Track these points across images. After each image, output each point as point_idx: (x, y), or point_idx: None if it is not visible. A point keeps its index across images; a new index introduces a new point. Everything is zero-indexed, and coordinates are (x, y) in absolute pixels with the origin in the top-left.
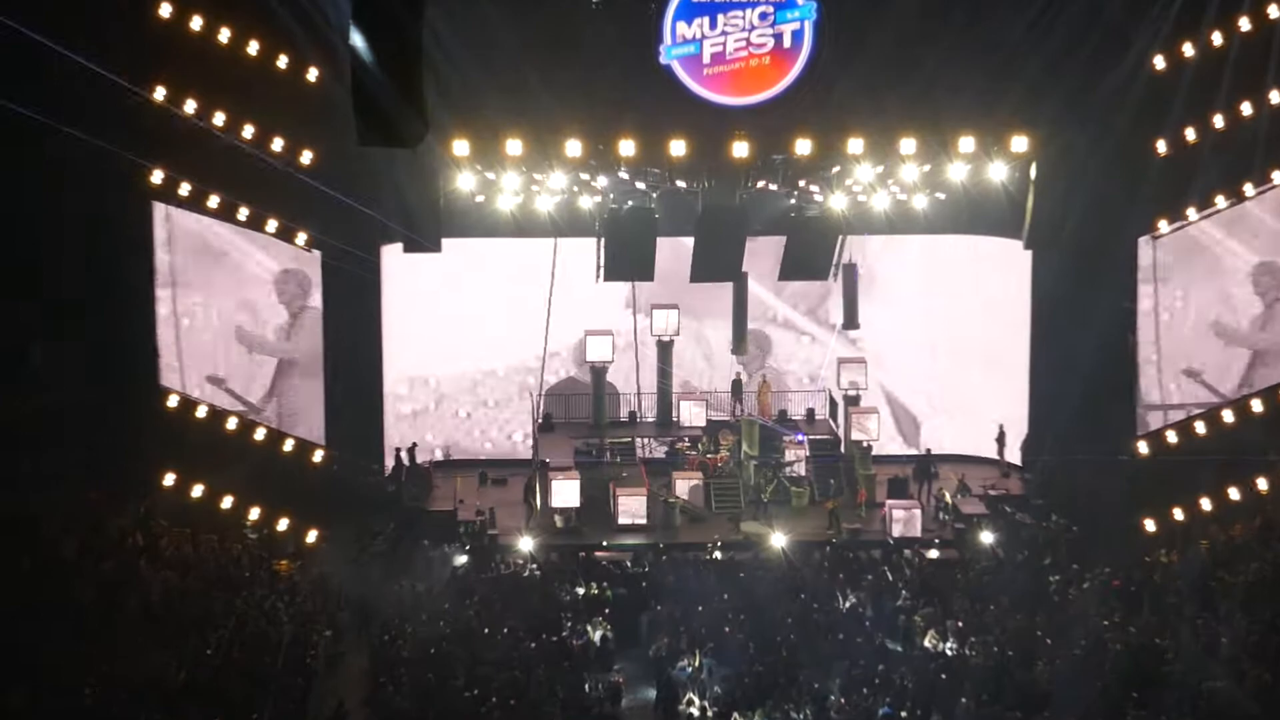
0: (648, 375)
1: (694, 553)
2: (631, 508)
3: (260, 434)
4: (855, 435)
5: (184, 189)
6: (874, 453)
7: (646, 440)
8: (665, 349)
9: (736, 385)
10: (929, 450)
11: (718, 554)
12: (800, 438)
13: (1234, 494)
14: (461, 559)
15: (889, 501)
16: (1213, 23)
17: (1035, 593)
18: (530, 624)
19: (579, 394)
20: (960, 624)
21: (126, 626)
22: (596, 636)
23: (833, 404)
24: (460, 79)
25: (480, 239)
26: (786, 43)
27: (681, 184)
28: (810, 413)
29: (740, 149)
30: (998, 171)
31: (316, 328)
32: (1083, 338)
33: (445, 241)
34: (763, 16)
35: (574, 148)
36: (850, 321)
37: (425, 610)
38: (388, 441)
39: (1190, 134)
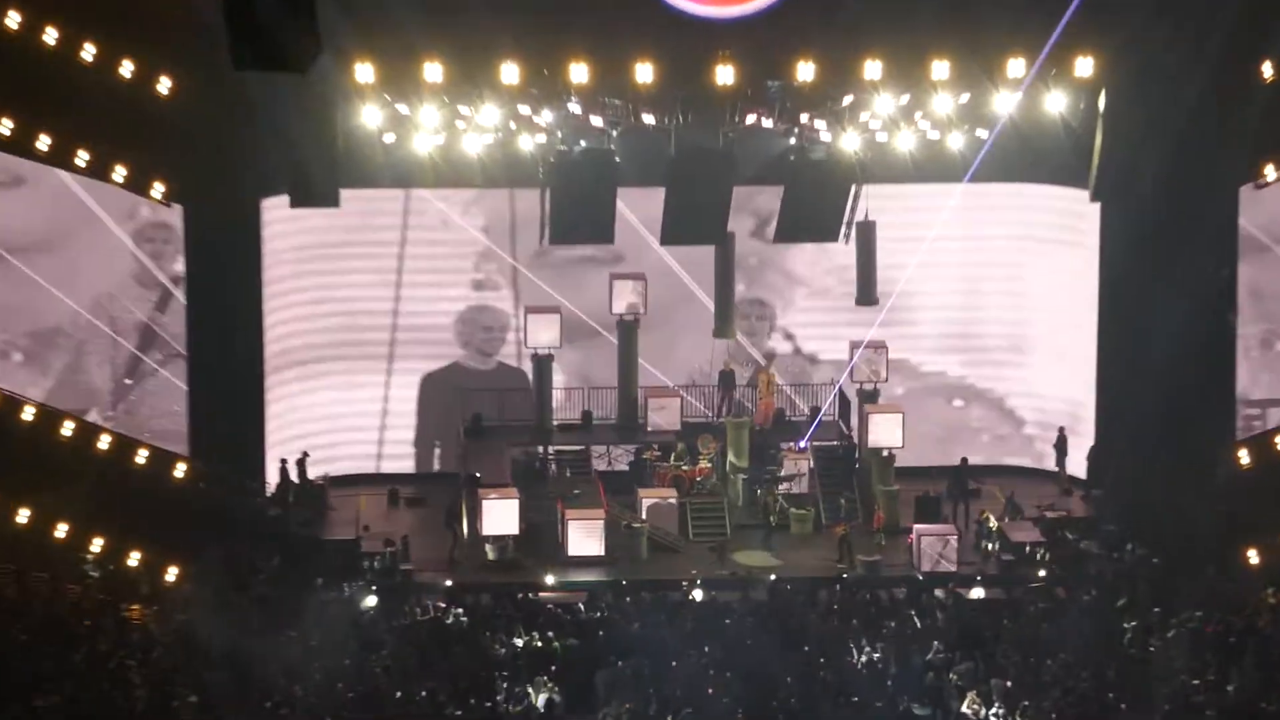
0: (606, 366)
1: (666, 593)
2: (585, 535)
3: (104, 442)
4: (873, 441)
5: (3, 126)
6: (897, 464)
7: (605, 449)
8: (629, 332)
9: (726, 378)
10: (966, 460)
11: (697, 594)
12: (802, 445)
13: None
14: (367, 602)
15: (917, 527)
16: None
17: (1106, 643)
18: (455, 685)
19: (517, 389)
20: (1009, 684)
21: None
22: (540, 701)
23: (844, 401)
24: None
25: (389, 190)
26: None
27: (649, 120)
28: (814, 413)
29: (725, 74)
30: (1056, 102)
31: (178, 305)
32: (1166, 316)
33: (344, 194)
34: None
35: (510, 73)
36: (866, 295)
37: (320, 668)
38: (270, 450)
39: None
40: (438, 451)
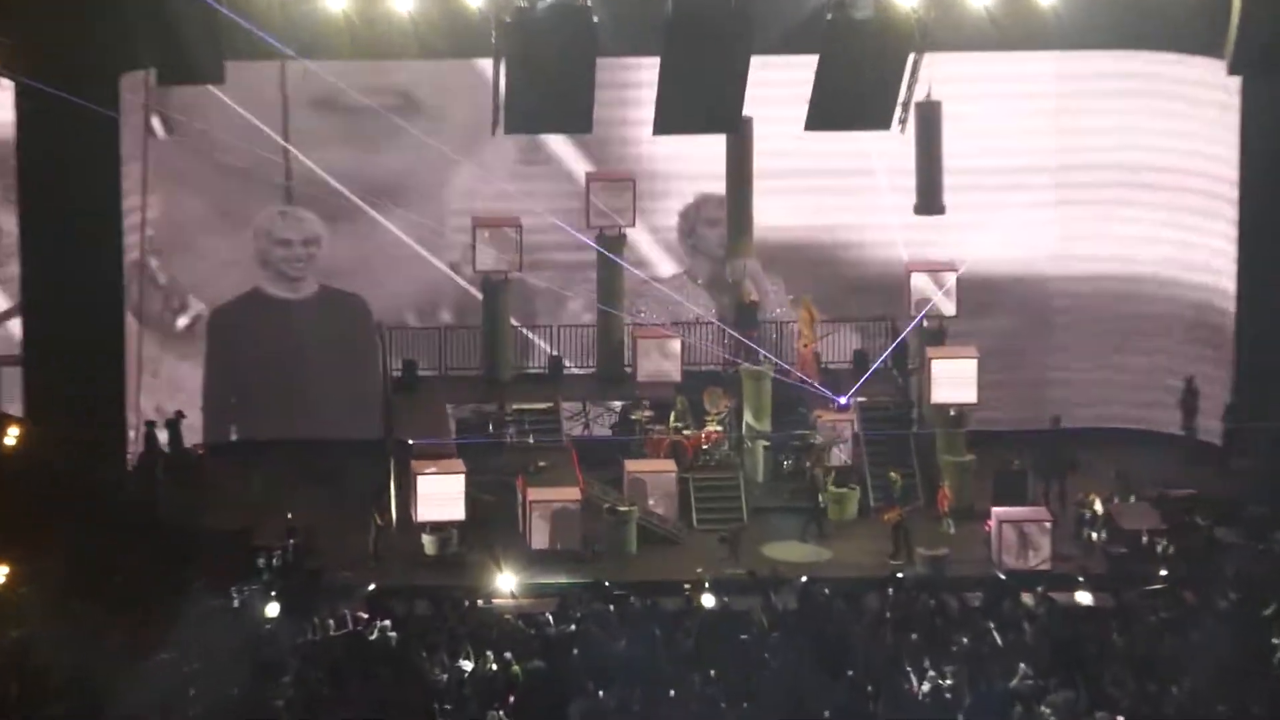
0: (582, 297)
1: (662, 599)
2: (555, 523)
3: None
4: (938, 396)
5: None
6: (969, 427)
7: (581, 407)
8: (612, 250)
9: (744, 312)
10: (1059, 421)
11: (706, 600)
12: (843, 403)
13: None
14: (263, 612)
15: (996, 510)
16: None
17: (1249, 664)
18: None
19: (462, 328)
20: (1120, 719)
21: None
22: None
23: (899, 344)
24: None
25: (293, 64)
26: None
27: None
28: (859, 358)
29: None
30: None
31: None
32: None
33: (231, 68)
34: None
35: None
36: (929, 202)
37: (201, 699)
38: (133, 411)
39: None
40: (356, 410)
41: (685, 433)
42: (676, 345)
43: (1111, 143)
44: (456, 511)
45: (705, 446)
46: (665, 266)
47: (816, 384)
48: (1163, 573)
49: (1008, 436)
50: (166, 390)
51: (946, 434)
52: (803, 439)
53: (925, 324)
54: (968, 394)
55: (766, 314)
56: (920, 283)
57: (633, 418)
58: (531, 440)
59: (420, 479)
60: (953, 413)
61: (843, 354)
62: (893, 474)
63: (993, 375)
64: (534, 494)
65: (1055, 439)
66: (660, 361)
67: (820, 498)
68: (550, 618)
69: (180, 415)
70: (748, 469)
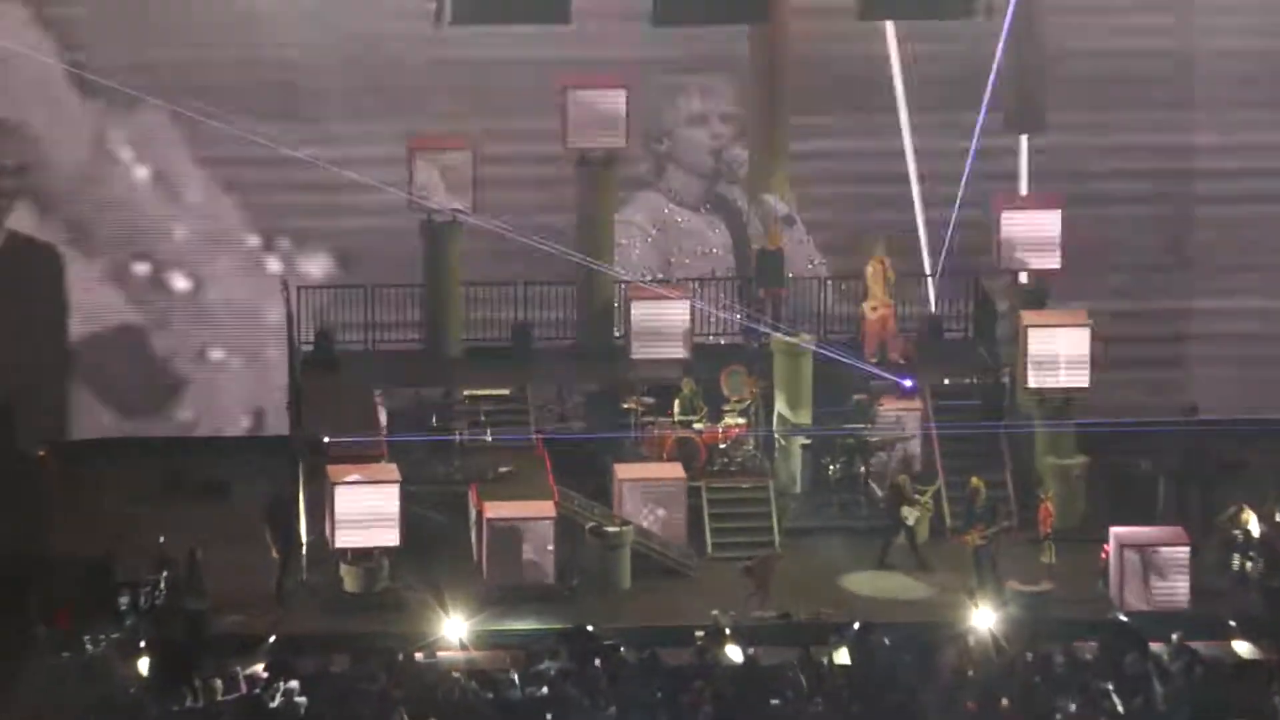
0: (557, 244)
1: (664, 652)
2: (521, 548)
3: None
4: (1036, 378)
5: None
6: (1081, 419)
7: (557, 393)
8: (596, 182)
9: (767, 263)
10: (1195, 409)
11: (732, 653)
12: (909, 386)
13: None
14: (132, 669)
15: (1116, 532)
16: None
17: None
18: None
19: (397, 286)
20: None
21: None
22: None
23: (985, 306)
24: None
25: None
26: None
27: None
28: (932, 327)
29: None
30: None
31: None
32: None
33: None
34: None
35: None
36: (1025, 115)
37: None
38: None
39: None
40: (251, 399)
41: (696, 427)
42: (685, 309)
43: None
44: (388, 535)
45: (723, 446)
46: (669, 202)
47: (893, 363)
48: None
49: (1131, 432)
50: None
51: (1048, 429)
52: (856, 435)
53: (1020, 280)
54: (1078, 375)
55: (798, 264)
56: (1013, 225)
57: (626, 407)
58: (489, 438)
59: (339, 491)
60: (1057, 400)
61: (907, 320)
62: (975, 481)
63: (1110, 350)
64: (492, 510)
65: (1195, 435)
66: (663, 331)
67: (906, 517)
68: (514, 677)
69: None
70: (780, 476)
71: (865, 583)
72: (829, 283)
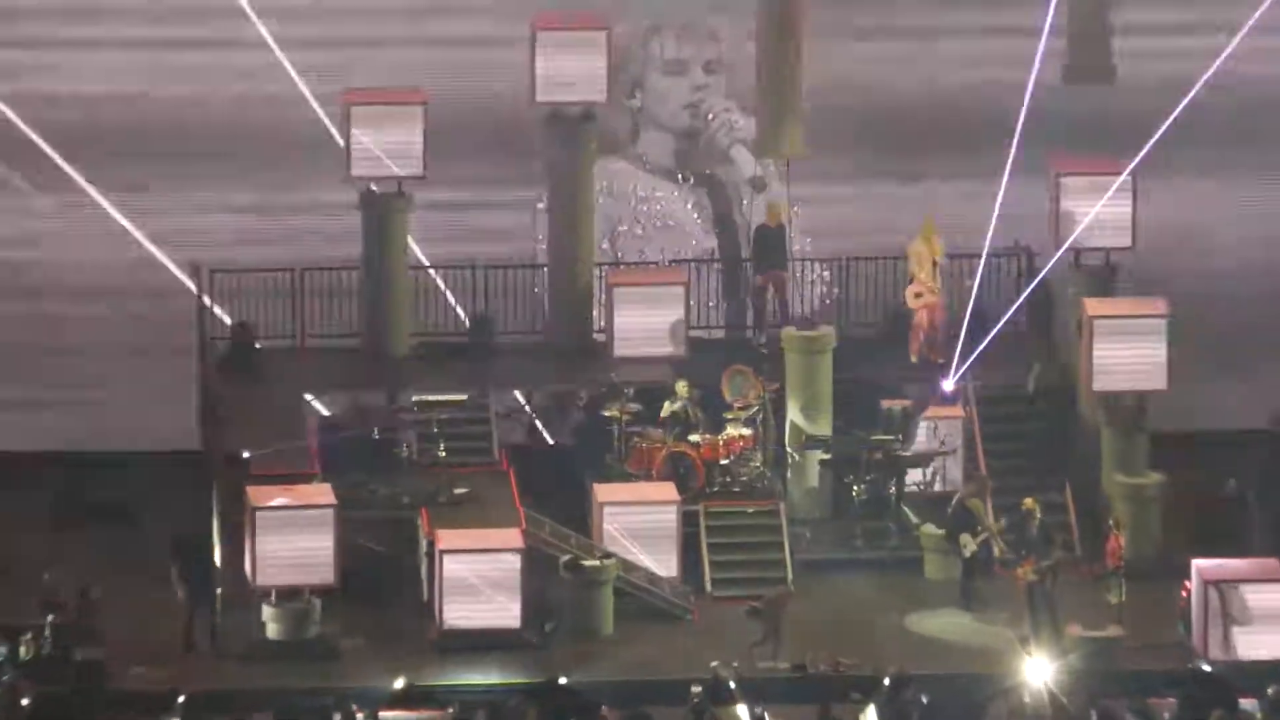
0: (525, 219)
1: (656, 710)
2: (480, 587)
3: None
4: (1102, 381)
5: None
6: (1155, 428)
7: (525, 399)
8: (572, 138)
9: (767, 241)
10: None
11: (738, 714)
12: (949, 391)
13: None
14: None
15: (1199, 565)
16: None
17: None
18: None
19: (331, 269)
20: None
21: None
22: None
23: (1039, 293)
24: None
25: None
26: None
27: None
28: (977, 316)
29: None
30: None
31: None
32: None
33: None
34: None
35: None
36: (1090, 63)
37: None
38: None
39: None
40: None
41: (693, 439)
42: (679, 298)
43: None
44: (321, 571)
45: (725, 461)
46: (640, 170)
47: (932, 363)
48: None
49: (1215, 443)
50: None
51: (1118, 439)
52: (886, 450)
53: (1083, 262)
54: (1153, 377)
55: (800, 244)
56: (1075, 195)
57: (608, 415)
58: (443, 453)
59: (262, 517)
60: (1129, 407)
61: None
62: (1029, 503)
63: (1192, 347)
64: (447, 540)
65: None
66: (653, 324)
67: (964, 549)
68: None
69: None
70: (794, 498)
71: (942, 624)
72: (848, 264)
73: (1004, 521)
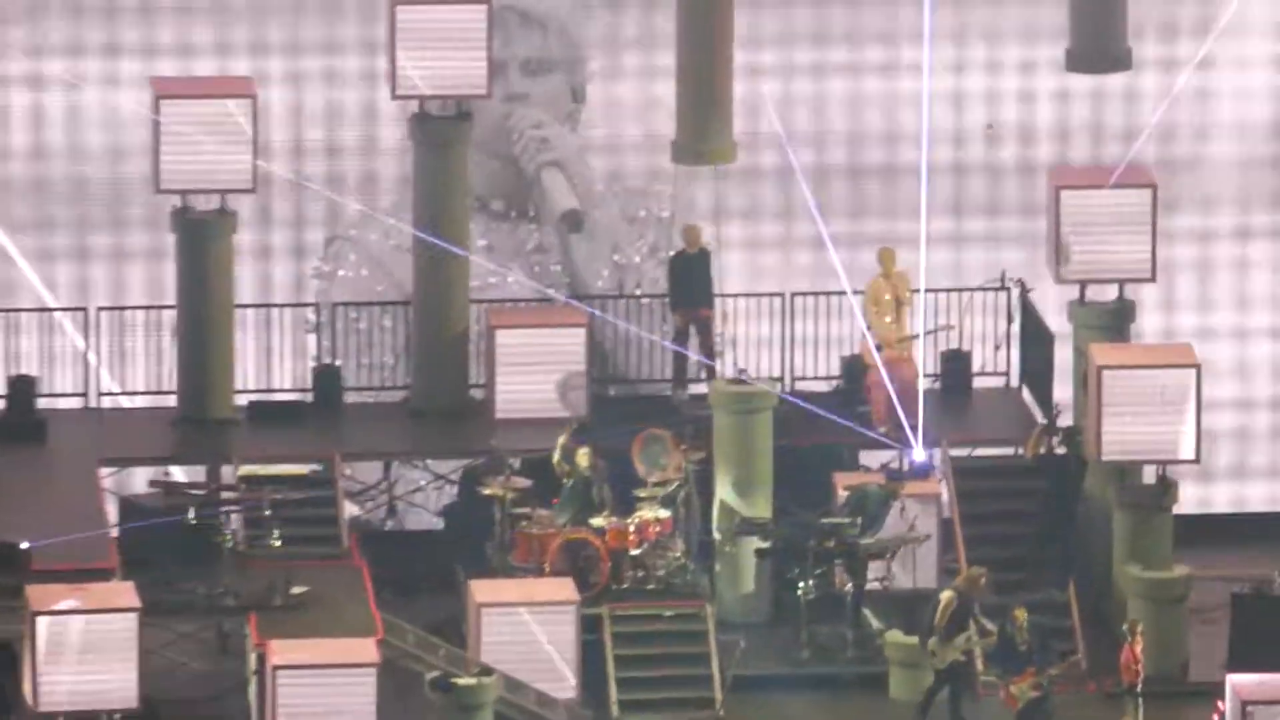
0: (386, 242)
1: None
2: (329, 706)
3: None
4: (1115, 447)
5: None
6: (1182, 508)
7: (383, 472)
8: (437, 146)
9: (688, 271)
10: None
11: None
12: (921, 461)
13: None
14: None
15: (1234, 682)
16: None
17: None
18: None
19: (130, 310)
20: None
21: None
22: None
23: (1035, 335)
24: None
25: None
26: None
27: None
28: (955, 363)
29: None
30: None
31: None
32: None
33: None
34: None
35: None
36: (1095, 52)
37: None
38: None
39: None
40: None
41: (597, 524)
42: (579, 343)
43: None
44: (120, 693)
45: (637, 551)
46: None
47: (909, 431)
48: None
49: (1256, 526)
50: None
51: (1135, 525)
52: (840, 534)
53: (1086, 297)
54: (1180, 446)
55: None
56: (1079, 210)
57: (488, 494)
58: (277, 541)
59: (44, 625)
60: (1149, 483)
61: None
62: (1019, 615)
63: (1221, 399)
64: (282, 652)
65: None
66: (544, 376)
67: (944, 647)
68: None
69: None
70: (725, 598)
71: None
72: (791, 301)
73: (993, 626)
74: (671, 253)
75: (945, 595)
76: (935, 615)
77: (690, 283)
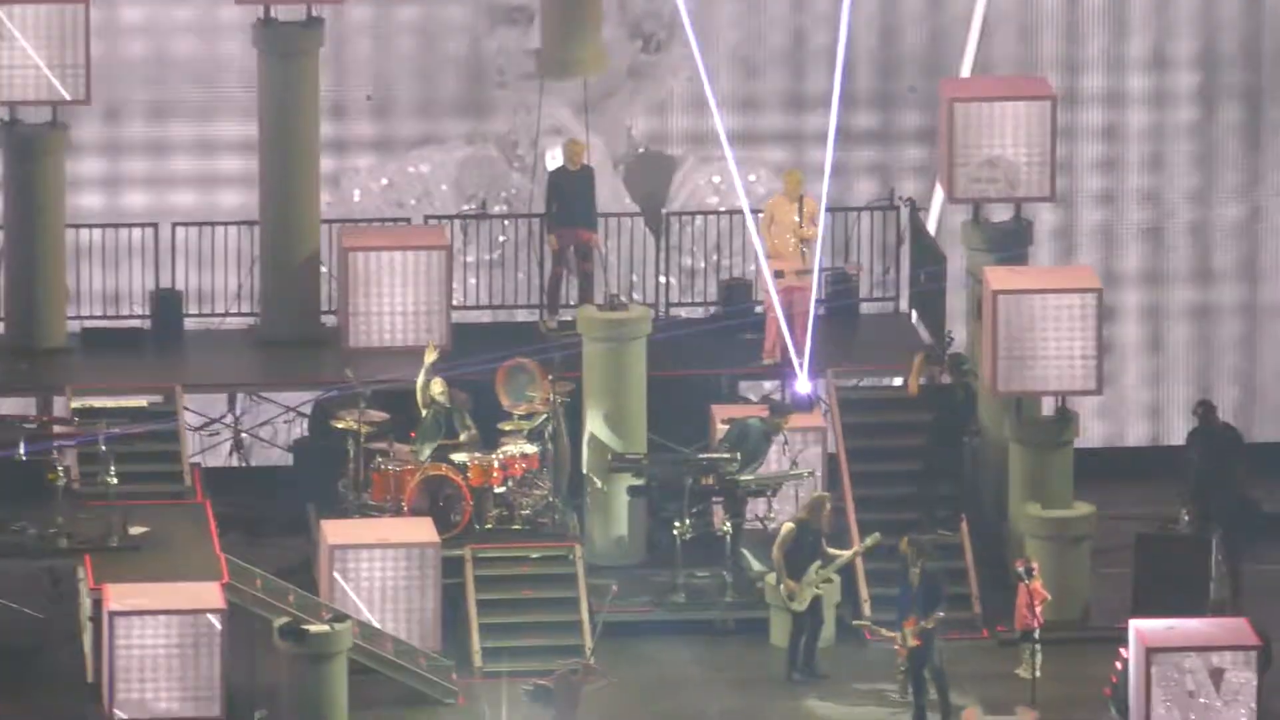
0: (226, 162)
1: None
2: (171, 659)
3: None
4: (1010, 380)
5: None
6: (1086, 441)
7: (228, 405)
8: (280, 50)
9: (568, 190)
10: (1209, 406)
11: None
12: (806, 394)
13: None
14: None
15: (1137, 628)
16: None
17: None
18: None
19: None
20: None
21: None
22: None
23: (927, 257)
24: None
25: None
26: None
27: None
28: (839, 284)
29: None
30: None
31: None
32: None
33: None
34: None
35: None
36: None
37: None
38: None
39: None
40: None
41: (458, 459)
42: (440, 267)
43: None
44: None
45: (501, 489)
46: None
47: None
48: None
49: (1164, 462)
50: None
51: (1032, 461)
52: (719, 470)
53: (985, 216)
54: (1081, 376)
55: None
56: (974, 123)
57: (340, 426)
58: (113, 479)
59: None
60: (1046, 415)
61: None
62: (905, 546)
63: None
64: (119, 597)
65: (1232, 451)
66: (401, 303)
67: (797, 586)
68: None
69: None
70: (595, 539)
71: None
72: (672, 222)
73: (834, 567)
74: (552, 171)
75: (785, 526)
76: (775, 550)
77: (570, 202)
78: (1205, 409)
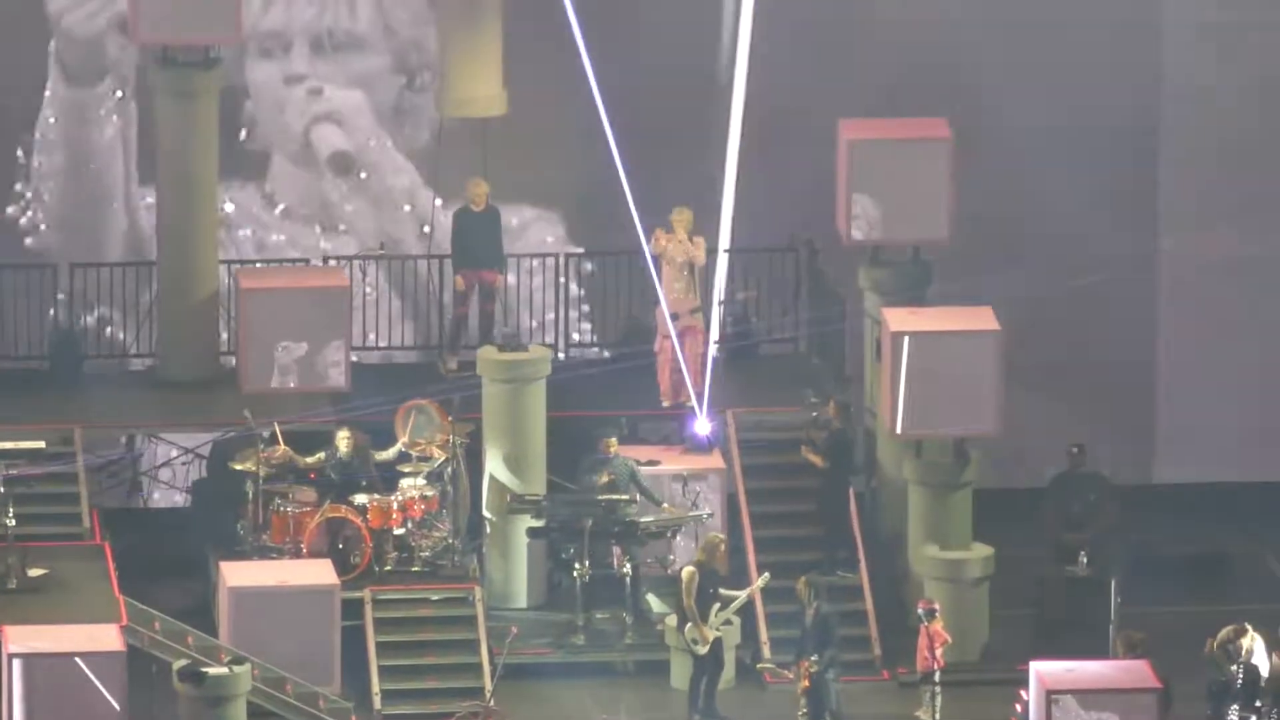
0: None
1: None
2: (66, 701)
3: None
4: (910, 422)
5: None
6: (976, 482)
7: (125, 444)
8: (181, 94)
9: (471, 230)
10: (1080, 450)
11: None
12: (705, 435)
13: None
14: None
15: (1038, 670)
16: None
17: None
18: None
19: None
20: None
21: None
22: None
23: (823, 296)
24: None
25: None
26: None
27: None
28: (737, 316)
29: None
30: None
31: None
32: None
33: None
34: None
35: None
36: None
37: None
38: None
39: None
40: None
41: (358, 501)
42: (341, 305)
43: None
44: None
45: (400, 530)
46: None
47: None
48: None
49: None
50: None
51: (931, 503)
52: (619, 511)
53: (877, 255)
54: (979, 417)
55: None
56: (868, 160)
57: (239, 468)
58: (11, 520)
59: None
60: (944, 456)
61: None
62: (801, 586)
63: (1026, 369)
64: (16, 639)
65: (1103, 499)
66: (298, 339)
67: (702, 630)
68: None
69: None
70: (495, 580)
71: None
72: (569, 263)
73: (733, 608)
74: (457, 211)
75: (686, 571)
76: (682, 597)
77: (474, 243)
78: (1079, 451)
